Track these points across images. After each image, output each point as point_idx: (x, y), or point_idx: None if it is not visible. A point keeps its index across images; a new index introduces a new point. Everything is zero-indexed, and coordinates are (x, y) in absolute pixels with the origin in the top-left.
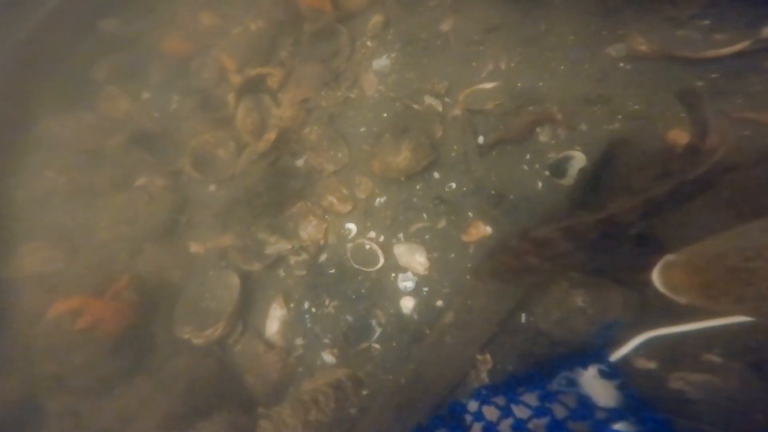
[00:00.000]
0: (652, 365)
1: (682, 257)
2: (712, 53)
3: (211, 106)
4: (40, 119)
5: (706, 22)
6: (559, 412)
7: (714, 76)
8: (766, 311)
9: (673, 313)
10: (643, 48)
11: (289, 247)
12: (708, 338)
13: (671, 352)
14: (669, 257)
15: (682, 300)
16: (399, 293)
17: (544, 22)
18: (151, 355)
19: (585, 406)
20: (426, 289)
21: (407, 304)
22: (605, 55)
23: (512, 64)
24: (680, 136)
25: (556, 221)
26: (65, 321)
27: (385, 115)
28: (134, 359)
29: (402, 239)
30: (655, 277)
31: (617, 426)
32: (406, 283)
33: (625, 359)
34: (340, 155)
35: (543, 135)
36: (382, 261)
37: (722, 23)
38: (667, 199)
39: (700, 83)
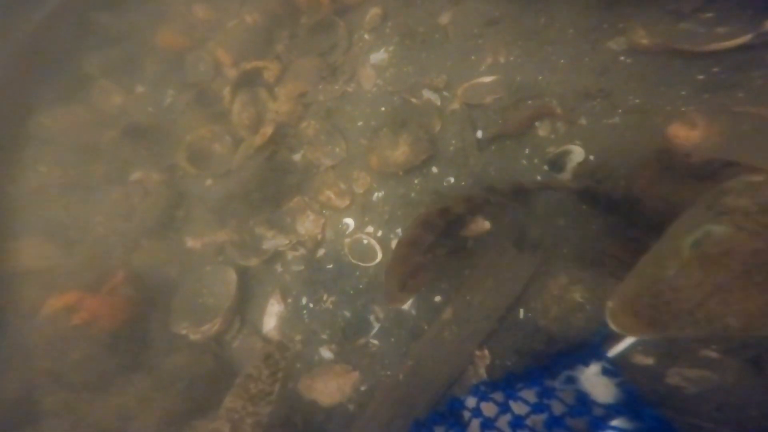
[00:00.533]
0: (649, 361)
1: (617, 302)
2: (714, 47)
3: (207, 100)
4: (33, 113)
5: (709, 15)
6: (557, 408)
7: (715, 69)
8: (713, 331)
9: None
10: (645, 41)
11: (287, 242)
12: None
13: (668, 348)
14: (608, 304)
15: (645, 337)
16: None
17: (544, 15)
18: (148, 350)
19: (583, 402)
20: None
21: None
22: (606, 48)
23: (511, 58)
24: (680, 130)
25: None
26: (61, 317)
27: (382, 109)
28: (131, 355)
29: (400, 234)
30: (610, 324)
31: (615, 422)
32: None
33: (623, 355)
34: (337, 150)
35: (542, 129)
36: (380, 256)
37: (724, 17)
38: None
39: (701, 77)
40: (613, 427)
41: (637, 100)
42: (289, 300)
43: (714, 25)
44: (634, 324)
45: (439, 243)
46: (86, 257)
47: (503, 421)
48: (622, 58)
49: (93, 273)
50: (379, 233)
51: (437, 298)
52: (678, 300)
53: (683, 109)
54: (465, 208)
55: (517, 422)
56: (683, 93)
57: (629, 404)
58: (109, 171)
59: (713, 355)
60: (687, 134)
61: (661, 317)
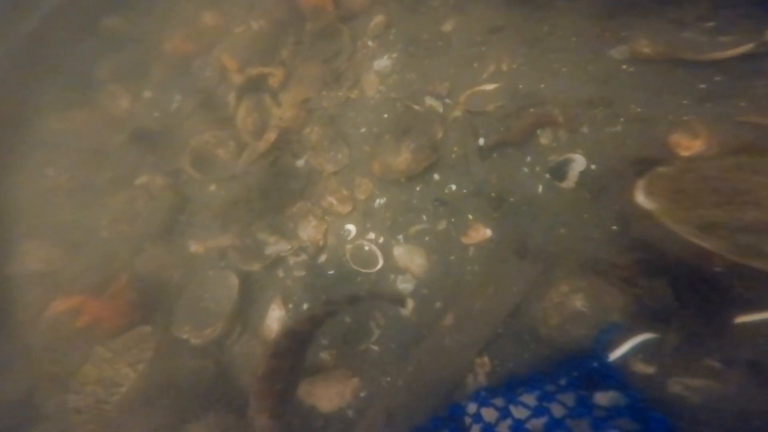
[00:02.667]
0: (650, 370)
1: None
2: (716, 55)
3: (212, 105)
4: (42, 117)
5: (711, 24)
6: (557, 411)
7: (718, 78)
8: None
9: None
10: (647, 50)
11: (289, 247)
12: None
13: (670, 357)
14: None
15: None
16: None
17: (547, 23)
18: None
19: (583, 404)
20: (425, 291)
21: (406, 305)
22: (608, 57)
23: (514, 66)
24: (682, 139)
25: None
26: (64, 320)
27: (385, 115)
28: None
29: (401, 241)
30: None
31: (617, 424)
32: (406, 284)
33: (625, 363)
34: (340, 156)
35: (544, 137)
36: (381, 262)
37: (727, 25)
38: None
39: (703, 86)
40: (616, 428)
41: (639, 109)
42: (291, 305)
43: (716, 34)
44: (663, 190)
45: (299, 362)
46: (90, 260)
47: (504, 426)
48: (624, 66)
49: (97, 276)
50: (381, 240)
51: (438, 305)
52: (734, 178)
53: (685, 118)
54: (309, 326)
55: (518, 427)
56: (685, 102)
57: (632, 407)
58: (115, 175)
59: (715, 364)
60: (689, 144)
61: (690, 190)
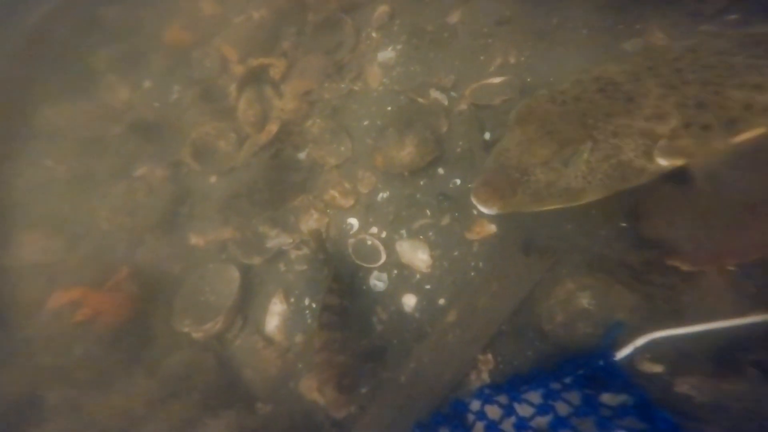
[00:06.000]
0: (658, 369)
1: (479, 179)
2: None
3: (213, 96)
4: (40, 108)
5: (734, 16)
6: (562, 409)
7: None
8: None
9: (680, 314)
10: (662, 44)
11: (290, 241)
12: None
13: (677, 356)
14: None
15: (493, 210)
16: (400, 290)
17: (557, 15)
18: (150, 348)
19: (589, 403)
20: (428, 286)
21: (409, 301)
22: (621, 50)
23: (522, 59)
24: None
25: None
26: (65, 312)
27: (389, 108)
28: (133, 352)
29: (405, 236)
30: (473, 200)
31: (623, 423)
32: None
33: (631, 362)
34: (342, 149)
35: None
36: (383, 257)
37: (750, 18)
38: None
39: None
40: (622, 427)
41: None
42: (292, 299)
43: (741, 27)
44: (489, 194)
45: (350, 337)
46: (90, 252)
47: (508, 424)
48: None
49: (97, 268)
50: (384, 234)
51: (441, 301)
52: (508, 158)
53: None
54: (338, 298)
55: (522, 424)
56: None
57: (638, 406)
58: (114, 166)
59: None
60: None
61: (502, 183)
